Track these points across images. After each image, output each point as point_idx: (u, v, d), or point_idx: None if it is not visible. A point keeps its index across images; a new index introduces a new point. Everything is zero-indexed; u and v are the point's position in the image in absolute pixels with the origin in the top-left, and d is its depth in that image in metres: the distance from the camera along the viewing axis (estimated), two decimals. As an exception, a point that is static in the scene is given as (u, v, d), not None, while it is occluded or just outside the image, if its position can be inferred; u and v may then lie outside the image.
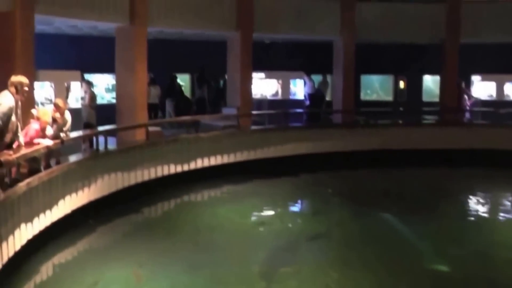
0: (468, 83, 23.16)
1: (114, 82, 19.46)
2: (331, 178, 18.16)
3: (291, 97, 22.52)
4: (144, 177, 15.04)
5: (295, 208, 15.82)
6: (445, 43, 21.76)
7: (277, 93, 22.49)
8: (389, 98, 26.98)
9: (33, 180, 10.00)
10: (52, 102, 13.46)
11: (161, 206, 14.83)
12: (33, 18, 12.39)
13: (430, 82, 26.50)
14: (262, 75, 22.01)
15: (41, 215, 10.59)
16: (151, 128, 15.99)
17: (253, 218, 14.07)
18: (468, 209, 15.25)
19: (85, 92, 16.85)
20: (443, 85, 22.61)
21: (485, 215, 14.85)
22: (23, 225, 9.79)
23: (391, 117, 22.50)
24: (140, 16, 15.92)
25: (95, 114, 16.89)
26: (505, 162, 19.20)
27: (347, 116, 21.31)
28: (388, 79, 27.22)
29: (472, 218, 14.25)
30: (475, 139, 20.29)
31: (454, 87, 21.79)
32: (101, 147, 13.72)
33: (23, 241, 9.79)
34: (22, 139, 10.15)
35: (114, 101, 18.52)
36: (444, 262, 10.57)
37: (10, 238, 9.23)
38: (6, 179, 9.10)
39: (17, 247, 9.52)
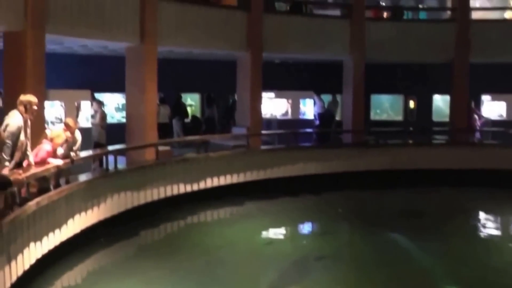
0: (478, 103, 23.10)
1: (124, 101, 19.50)
2: (340, 198, 18.10)
3: (301, 116, 22.54)
4: (153, 196, 15.04)
5: (304, 228, 15.77)
6: (455, 62, 21.70)
7: (287, 112, 22.52)
8: (399, 117, 26.90)
9: (42, 199, 10.01)
10: (62, 121, 13.51)
11: (170, 225, 14.81)
12: (43, 38, 12.44)
13: (440, 102, 26.42)
14: (272, 94, 22.05)
15: (51, 234, 10.60)
16: (160, 148, 16.00)
17: (262, 238, 14.03)
18: (479, 230, 15.15)
19: (96, 111, 16.90)
20: (453, 105, 22.54)
21: (496, 235, 14.74)
22: (32, 244, 9.79)
23: (401, 137, 22.44)
24: (150, 35, 15.98)
25: (105, 134, 16.93)
26: (516, 182, 19.11)
27: (357, 136, 21.25)
28: (398, 99, 27.14)
29: (483, 239, 14.15)
30: (485, 159, 20.21)
31: (464, 107, 21.72)
32: (111, 166, 13.75)
33: (32, 260, 9.78)
34: (31, 158, 10.19)
35: (124, 120, 18.56)
36: (454, 283, 10.50)
37: (19, 257, 9.23)
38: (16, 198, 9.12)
39: (26, 266, 9.52)
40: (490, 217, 16.31)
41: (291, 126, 20.88)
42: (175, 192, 15.77)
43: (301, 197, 17.96)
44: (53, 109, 15.08)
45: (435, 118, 26.23)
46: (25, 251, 9.48)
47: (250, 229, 14.53)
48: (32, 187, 10.15)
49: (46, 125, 13.17)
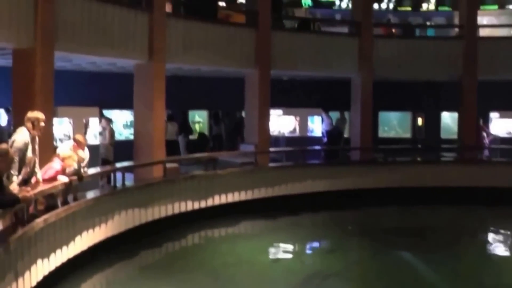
0: (486, 120, 23.06)
1: (132, 118, 19.54)
2: (349, 216, 18.07)
3: (309, 134, 22.50)
4: (161, 213, 15.04)
5: (313, 245, 15.70)
6: (463, 80, 21.66)
7: (294, 130, 22.48)
8: (407, 135, 26.89)
9: (50, 216, 10.03)
10: (70, 138, 13.53)
11: (179, 243, 14.78)
12: (52, 55, 12.48)
13: (448, 119, 26.38)
14: (280, 111, 22.03)
15: (58, 251, 10.59)
16: (168, 165, 16.00)
17: (271, 255, 14.00)
18: (487, 248, 15.09)
19: (104, 128, 16.91)
20: (461, 122, 22.48)
21: (505, 254, 14.66)
22: (39, 261, 9.78)
23: (409, 154, 22.40)
24: (158, 53, 16.01)
25: (113, 151, 16.94)
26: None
27: (365, 153, 21.21)
28: (406, 116, 27.13)
29: (492, 258, 14.08)
30: (494, 177, 20.15)
31: (473, 124, 21.67)
32: (119, 184, 13.75)
33: (39, 277, 9.77)
34: (39, 174, 10.21)
35: (132, 137, 18.58)
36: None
37: (27, 274, 9.22)
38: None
39: (33, 283, 9.50)
40: (500, 235, 16.21)
41: (299, 143, 20.84)
42: (183, 209, 15.77)
43: (309, 215, 17.91)
44: (62, 126, 15.11)
45: (443, 135, 26.20)
46: (32, 268, 9.47)
47: (258, 246, 14.49)
48: (39, 204, 10.16)
49: (54, 142, 13.19)
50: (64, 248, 10.85)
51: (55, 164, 10.77)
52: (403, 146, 24.53)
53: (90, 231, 12.02)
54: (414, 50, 21.69)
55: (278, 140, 21.65)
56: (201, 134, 24.04)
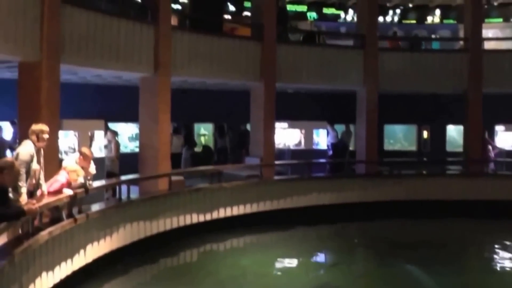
0: (492, 133, 23.02)
1: (137, 131, 19.55)
2: (354, 229, 18.02)
3: (314, 147, 22.47)
4: (166, 226, 15.03)
5: (318, 258, 15.68)
6: (468, 92, 21.65)
7: (300, 143, 22.46)
8: (413, 148, 26.88)
9: (55, 229, 10.03)
10: (75, 151, 13.53)
11: (183, 256, 14.77)
12: (58, 68, 12.51)
13: (454, 132, 26.35)
14: (285, 124, 22.03)
15: (63, 264, 10.58)
16: (173, 178, 16.01)
17: (276, 268, 13.97)
18: (493, 262, 15.01)
19: (110, 141, 16.91)
20: (466, 135, 22.45)
21: (510, 268, 14.60)
22: (44, 274, 9.78)
23: (415, 167, 22.36)
24: (164, 66, 16.04)
25: (118, 163, 16.93)
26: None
27: (370, 167, 21.18)
28: (412, 129, 27.14)
29: (497, 271, 14.02)
30: (500, 190, 20.10)
31: (478, 137, 21.63)
32: (124, 196, 13.75)
33: (44, 290, 9.78)
34: (45, 187, 10.22)
35: (137, 150, 18.59)
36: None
37: (31, 287, 9.21)
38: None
39: (38, 296, 9.51)
40: (505, 249, 16.13)
41: (304, 156, 20.81)
42: (188, 222, 15.76)
43: (315, 228, 17.87)
44: (67, 139, 15.12)
45: (449, 148, 26.17)
46: (37, 280, 9.47)
47: (263, 259, 14.47)
48: (45, 217, 10.17)
49: (59, 155, 13.20)
50: (69, 260, 10.85)
51: (61, 177, 10.77)
52: (409, 159, 24.50)
53: (95, 243, 12.02)
54: (419, 63, 21.70)
55: (284, 153, 21.63)
56: (205, 147, 24.04)
